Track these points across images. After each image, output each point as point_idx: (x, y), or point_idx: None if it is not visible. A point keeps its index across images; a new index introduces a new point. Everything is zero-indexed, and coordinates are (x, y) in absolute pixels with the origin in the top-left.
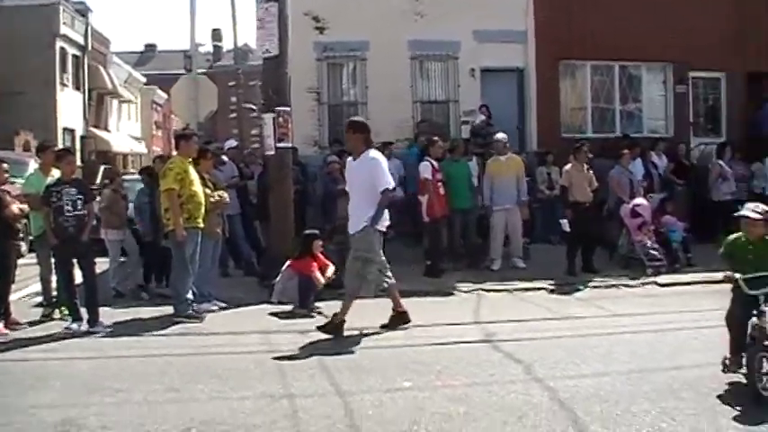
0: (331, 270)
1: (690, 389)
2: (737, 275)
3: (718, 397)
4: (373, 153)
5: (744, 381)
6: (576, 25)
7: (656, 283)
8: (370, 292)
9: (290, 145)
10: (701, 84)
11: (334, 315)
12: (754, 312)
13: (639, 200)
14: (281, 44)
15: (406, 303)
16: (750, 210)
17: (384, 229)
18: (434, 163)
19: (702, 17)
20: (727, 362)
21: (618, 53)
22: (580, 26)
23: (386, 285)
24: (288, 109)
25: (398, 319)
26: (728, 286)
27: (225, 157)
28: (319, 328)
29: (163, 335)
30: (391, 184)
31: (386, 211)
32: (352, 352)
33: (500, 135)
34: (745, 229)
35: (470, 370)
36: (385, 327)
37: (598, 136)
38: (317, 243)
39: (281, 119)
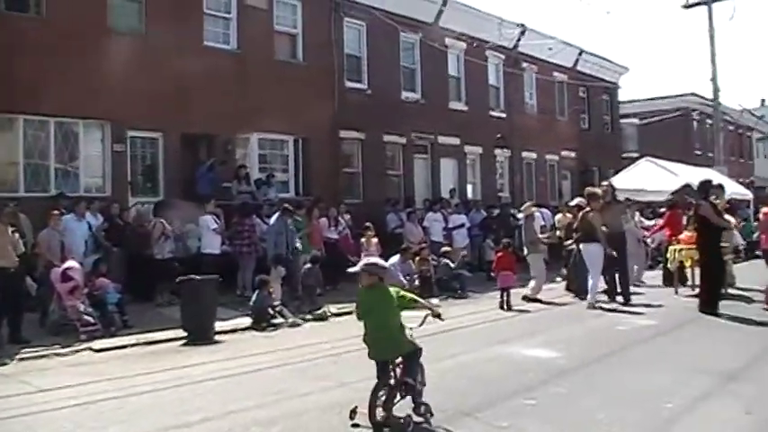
0: None
1: None
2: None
3: None
4: None
5: None
6: (11, 77)
7: (90, 349)
8: None
9: None
10: (140, 143)
11: None
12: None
13: (71, 263)
14: None
15: None
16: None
17: None
18: None
19: (142, 77)
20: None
21: (55, 109)
22: (15, 79)
23: None
24: None
25: None
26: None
27: None
28: None
29: None
30: None
31: None
32: None
33: None
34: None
35: None
36: None
37: (32, 195)
38: None
39: None
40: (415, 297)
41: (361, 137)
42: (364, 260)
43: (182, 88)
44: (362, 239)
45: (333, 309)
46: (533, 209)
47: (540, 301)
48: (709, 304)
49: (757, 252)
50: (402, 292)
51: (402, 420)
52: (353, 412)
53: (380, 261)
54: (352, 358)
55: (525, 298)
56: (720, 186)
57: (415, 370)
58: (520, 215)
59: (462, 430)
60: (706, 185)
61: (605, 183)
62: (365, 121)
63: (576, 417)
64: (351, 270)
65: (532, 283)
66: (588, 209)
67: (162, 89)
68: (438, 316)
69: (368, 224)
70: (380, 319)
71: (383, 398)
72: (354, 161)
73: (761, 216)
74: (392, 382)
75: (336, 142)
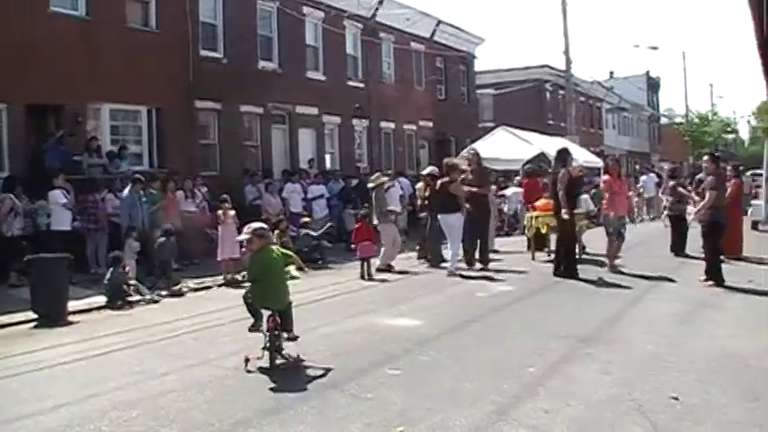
0: None
1: None
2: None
3: None
4: None
5: None
6: None
7: None
8: None
9: None
10: None
11: None
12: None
13: None
14: None
15: None
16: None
17: None
18: None
19: None
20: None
21: None
22: None
23: None
24: None
25: None
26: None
27: None
28: None
29: None
30: None
31: None
32: None
33: None
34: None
35: None
36: None
37: None
38: None
39: None
40: (290, 253)
41: (217, 107)
42: (250, 225)
43: (27, 56)
44: (219, 212)
45: (191, 284)
46: (384, 178)
47: (392, 270)
48: (566, 269)
49: None
50: (282, 250)
51: (292, 359)
52: (247, 361)
53: (260, 224)
54: (212, 334)
55: (378, 269)
56: (569, 154)
57: (292, 320)
58: (370, 185)
59: (327, 403)
60: (563, 154)
61: (472, 150)
62: (221, 91)
63: (441, 385)
64: (239, 238)
65: (383, 253)
66: (447, 179)
67: (5, 57)
68: (302, 269)
69: (224, 196)
70: (274, 277)
71: (273, 344)
72: (210, 132)
73: (601, 183)
74: (275, 328)
75: (192, 113)
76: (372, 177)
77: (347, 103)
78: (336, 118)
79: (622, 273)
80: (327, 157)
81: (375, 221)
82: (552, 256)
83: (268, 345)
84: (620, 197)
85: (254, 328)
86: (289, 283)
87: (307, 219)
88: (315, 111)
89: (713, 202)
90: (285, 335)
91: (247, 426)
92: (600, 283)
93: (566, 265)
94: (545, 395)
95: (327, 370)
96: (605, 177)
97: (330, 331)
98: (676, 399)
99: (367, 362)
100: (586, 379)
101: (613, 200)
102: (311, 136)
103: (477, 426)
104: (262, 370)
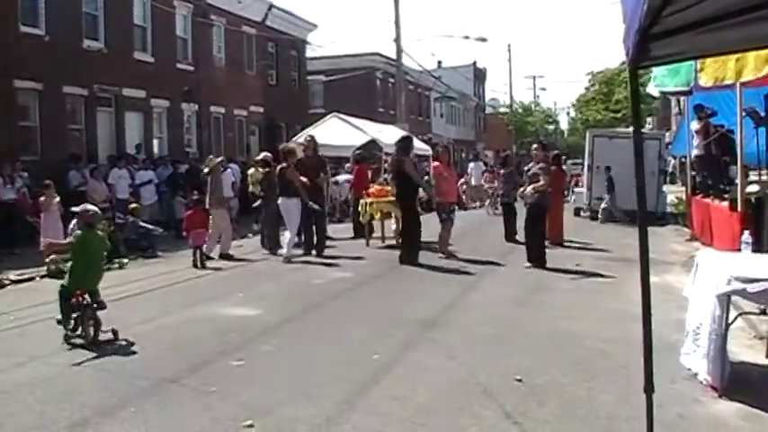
0: None
1: None
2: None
3: None
4: None
5: None
6: None
7: None
8: None
9: None
10: None
11: None
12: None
13: None
14: None
15: None
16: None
17: None
18: None
19: None
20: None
21: None
22: None
23: None
24: None
25: None
26: None
27: None
28: None
29: None
30: None
31: None
32: None
33: None
34: None
35: None
36: None
37: None
38: None
39: None
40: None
41: (38, 87)
42: (85, 206)
43: None
44: (42, 199)
45: (12, 276)
46: (217, 160)
47: (232, 257)
48: (409, 255)
49: None
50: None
51: (110, 330)
52: (66, 336)
53: (95, 208)
54: (39, 329)
55: (210, 258)
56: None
57: (99, 294)
58: (206, 169)
59: (169, 398)
60: (406, 143)
61: (308, 137)
62: (43, 70)
63: (287, 375)
64: (75, 209)
65: (216, 239)
66: (285, 164)
67: None
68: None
69: (47, 182)
70: (94, 257)
71: (91, 321)
72: (31, 114)
73: (431, 170)
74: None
75: (10, 93)
76: (206, 161)
77: (176, 86)
78: (165, 101)
79: (456, 258)
80: (155, 141)
81: (208, 207)
82: (386, 242)
83: (83, 317)
84: (451, 184)
85: (62, 323)
86: (118, 272)
87: (135, 205)
88: (142, 94)
89: (543, 186)
90: (96, 306)
91: (85, 427)
92: (436, 268)
93: (410, 251)
94: (392, 382)
95: (166, 363)
96: (435, 164)
97: (167, 322)
98: (520, 381)
99: (208, 353)
100: (432, 364)
101: (444, 187)
102: (139, 120)
103: (329, 416)
104: (87, 348)
